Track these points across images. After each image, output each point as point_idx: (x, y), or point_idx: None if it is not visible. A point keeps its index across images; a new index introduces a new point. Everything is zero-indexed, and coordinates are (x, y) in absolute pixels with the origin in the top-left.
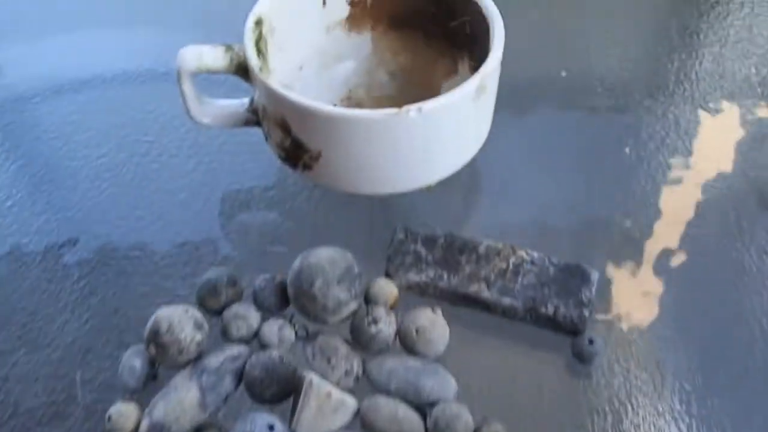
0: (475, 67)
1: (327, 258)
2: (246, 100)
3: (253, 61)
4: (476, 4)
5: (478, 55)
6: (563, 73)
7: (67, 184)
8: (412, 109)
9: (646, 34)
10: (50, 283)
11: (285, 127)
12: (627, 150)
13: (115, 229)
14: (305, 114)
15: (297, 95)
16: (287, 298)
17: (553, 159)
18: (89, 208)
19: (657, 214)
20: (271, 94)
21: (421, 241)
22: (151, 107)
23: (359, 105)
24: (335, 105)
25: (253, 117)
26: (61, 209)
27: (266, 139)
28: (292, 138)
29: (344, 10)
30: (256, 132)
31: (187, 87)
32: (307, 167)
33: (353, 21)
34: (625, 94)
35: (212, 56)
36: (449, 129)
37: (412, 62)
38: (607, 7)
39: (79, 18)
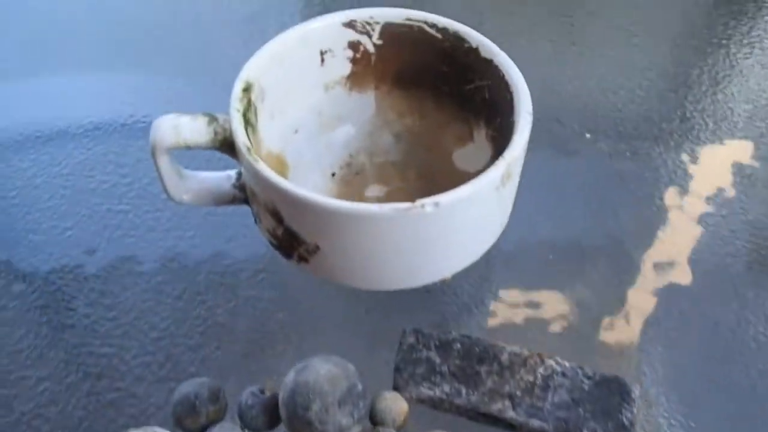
0: (493, 137)
1: (326, 376)
2: (232, 174)
3: (241, 138)
4: (497, 68)
5: (497, 125)
6: (588, 135)
7: (27, 264)
8: (427, 203)
9: (677, 89)
10: (2, 389)
11: (277, 216)
12: (660, 233)
13: (82, 320)
14: (300, 206)
15: (290, 184)
16: (279, 416)
17: (580, 237)
18: (51, 294)
19: (701, 309)
20: (261, 180)
21: (435, 346)
22: (126, 171)
23: (361, 172)
24: (334, 173)
25: (241, 194)
26: (20, 295)
27: (255, 221)
28: (285, 228)
29: (345, 67)
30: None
31: (163, 163)
32: (302, 259)
33: (355, 79)
34: (657, 159)
35: (192, 130)
36: (469, 221)
37: (419, 125)
38: (635, 60)
39: (42, 62)
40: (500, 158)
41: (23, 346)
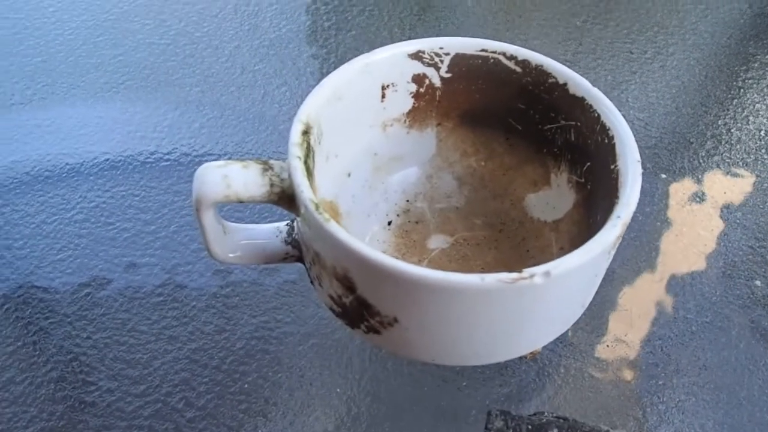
0: (578, 183)
1: None
2: (282, 227)
3: (306, 193)
4: (590, 107)
5: (584, 171)
6: (663, 176)
7: (37, 328)
8: (537, 273)
9: (709, 110)
10: None
11: (348, 284)
12: (758, 282)
13: (105, 397)
14: (384, 276)
15: (373, 251)
16: None
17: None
18: (67, 365)
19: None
20: (334, 244)
21: (528, 431)
22: (149, 217)
23: (421, 220)
24: (390, 222)
25: (295, 251)
26: (30, 366)
27: (312, 282)
28: (356, 297)
29: (406, 103)
30: None
31: (208, 219)
32: (373, 330)
33: (415, 116)
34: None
35: (245, 181)
36: (576, 289)
37: (485, 167)
38: (667, 79)
39: (51, 90)
40: (614, 217)
41: (34, 431)
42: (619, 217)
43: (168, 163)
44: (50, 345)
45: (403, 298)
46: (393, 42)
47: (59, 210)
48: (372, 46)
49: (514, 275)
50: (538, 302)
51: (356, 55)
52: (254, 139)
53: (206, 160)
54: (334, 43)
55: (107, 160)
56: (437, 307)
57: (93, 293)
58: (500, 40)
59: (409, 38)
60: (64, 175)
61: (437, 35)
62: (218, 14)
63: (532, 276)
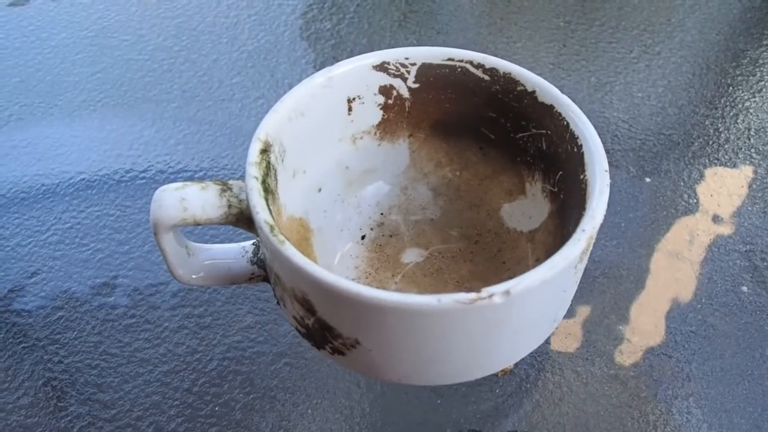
0: (552, 193)
1: None
2: (248, 246)
3: (262, 214)
4: (559, 115)
5: (557, 180)
6: (647, 180)
7: (9, 352)
8: (496, 293)
9: (697, 109)
10: None
11: (308, 306)
12: (744, 288)
13: (75, 422)
14: (339, 299)
15: (327, 274)
16: None
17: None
18: (39, 390)
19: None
20: (290, 267)
21: None
22: (123, 237)
23: (395, 233)
24: (364, 236)
25: (260, 271)
26: (1, 391)
27: (277, 302)
28: (317, 319)
29: (375, 115)
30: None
31: (168, 242)
32: (338, 352)
33: (386, 128)
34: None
35: (201, 204)
36: (543, 305)
37: (460, 177)
38: (654, 77)
39: (26, 110)
40: (579, 230)
41: None
42: (583, 230)
43: (143, 181)
44: (22, 370)
45: (361, 321)
46: (373, 50)
47: (34, 232)
48: (352, 55)
49: (472, 296)
50: (500, 321)
51: None
52: (231, 154)
53: (182, 177)
54: (313, 53)
55: (83, 179)
56: (396, 329)
57: (66, 316)
58: (483, 44)
59: (390, 45)
60: (39, 196)
61: (418, 42)
62: (197, 27)
63: (490, 296)
